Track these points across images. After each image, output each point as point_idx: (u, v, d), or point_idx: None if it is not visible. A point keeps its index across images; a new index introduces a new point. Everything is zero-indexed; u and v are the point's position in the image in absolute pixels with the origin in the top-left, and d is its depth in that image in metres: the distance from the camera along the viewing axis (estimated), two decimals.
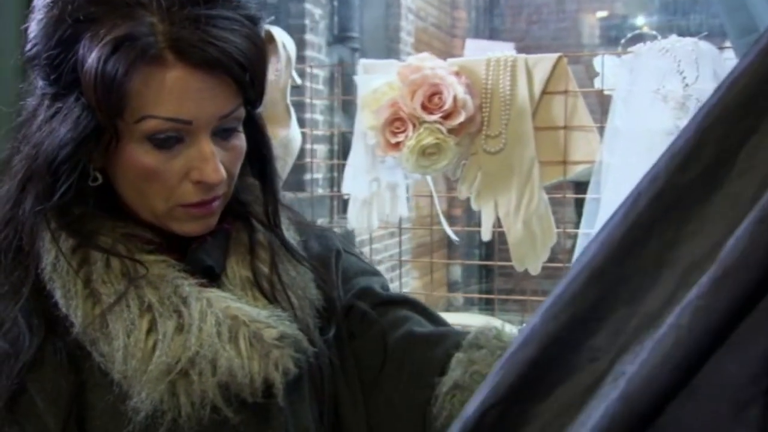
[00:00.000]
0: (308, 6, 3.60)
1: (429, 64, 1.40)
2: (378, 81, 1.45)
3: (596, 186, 1.40)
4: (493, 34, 6.12)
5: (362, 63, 1.55)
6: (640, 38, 1.39)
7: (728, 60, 1.29)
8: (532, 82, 1.41)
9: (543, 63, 1.41)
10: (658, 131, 1.30)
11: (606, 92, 1.40)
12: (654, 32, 1.34)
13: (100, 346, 0.69)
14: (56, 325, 0.71)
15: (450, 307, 1.59)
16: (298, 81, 1.67)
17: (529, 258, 1.42)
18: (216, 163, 0.71)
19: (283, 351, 0.72)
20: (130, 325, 0.69)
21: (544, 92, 1.42)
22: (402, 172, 1.54)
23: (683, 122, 1.28)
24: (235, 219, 0.80)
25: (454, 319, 1.50)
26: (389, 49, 4.51)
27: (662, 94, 1.28)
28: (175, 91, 0.67)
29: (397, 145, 1.40)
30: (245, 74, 0.69)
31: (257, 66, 0.71)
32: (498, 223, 1.44)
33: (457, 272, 4.68)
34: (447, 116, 1.37)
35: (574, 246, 1.51)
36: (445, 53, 1.83)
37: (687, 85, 1.27)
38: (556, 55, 1.41)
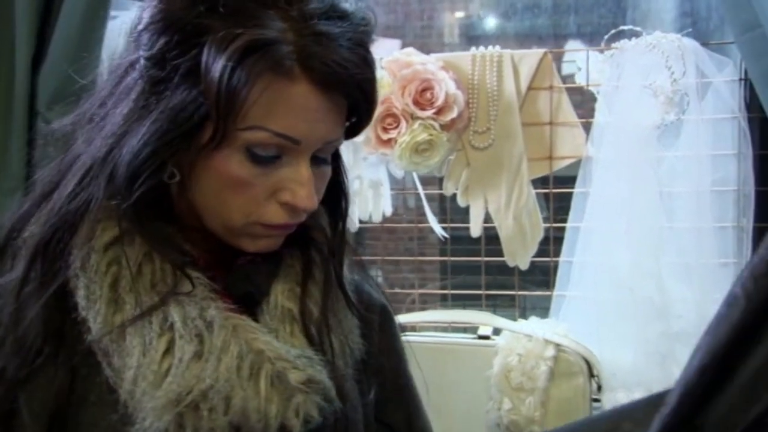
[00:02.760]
0: None
1: (417, 59, 1.38)
2: None
3: (583, 180, 1.42)
4: None
5: None
6: (620, 35, 1.41)
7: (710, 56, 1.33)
8: (519, 77, 1.42)
9: (528, 59, 1.42)
10: (646, 126, 1.33)
11: (590, 88, 1.42)
12: (638, 28, 1.37)
13: (112, 359, 0.64)
14: (70, 329, 0.66)
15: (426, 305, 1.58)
16: None
17: (519, 253, 1.42)
18: (312, 188, 0.67)
19: (308, 397, 0.66)
20: (147, 344, 0.64)
21: (529, 88, 1.42)
22: (385, 169, 1.51)
23: (671, 116, 1.32)
24: (292, 243, 0.74)
25: (449, 316, 1.49)
26: None
27: (652, 89, 1.31)
28: (294, 107, 0.64)
29: (388, 142, 1.37)
30: (363, 100, 0.67)
31: (373, 92, 0.68)
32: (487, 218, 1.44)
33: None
34: (438, 112, 1.36)
35: (547, 239, 1.52)
36: None
37: (675, 80, 1.30)
38: (541, 51, 1.42)
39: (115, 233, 0.67)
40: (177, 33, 0.63)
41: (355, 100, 0.66)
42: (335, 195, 0.76)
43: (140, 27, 0.66)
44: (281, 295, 0.71)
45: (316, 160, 0.68)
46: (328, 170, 0.71)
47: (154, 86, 0.64)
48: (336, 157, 0.74)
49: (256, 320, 0.69)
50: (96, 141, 0.67)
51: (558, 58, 1.50)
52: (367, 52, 0.66)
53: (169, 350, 0.64)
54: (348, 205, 0.77)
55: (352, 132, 0.70)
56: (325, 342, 0.71)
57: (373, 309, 0.81)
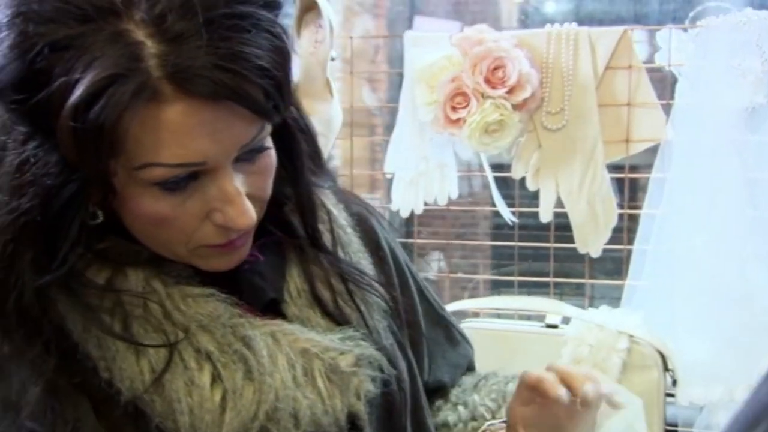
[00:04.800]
0: None
1: (489, 36, 1.33)
2: (432, 54, 1.37)
3: (661, 165, 1.35)
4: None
5: (409, 35, 1.46)
6: (706, 12, 1.34)
7: None
8: (596, 56, 1.35)
9: (607, 37, 1.35)
10: (732, 108, 1.26)
11: (671, 68, 1.35)
12: (726, 5, 1.29)
13: (156, 407, 0.59)
14: (98, 394, 0.58)
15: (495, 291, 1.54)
16: (335, 55, 1.58)
17: (591, 240, 1.36)
18: (243, 204, 0.58)
19: (360, 374, 0.64)
20: (189, 383, 0.58)
21: (606, 67, 1.36)
22: (452, 151, 1.46)
23: (760, 98, 1.24)
24: (271, 228, 0.68)
25: (516, 303, 1.44)
26: None
27: (740, 70, 1.23)
28: (179, 131, 0.53)
29: (457, 122, 1.33)
30: (267, 96, 0.55)
31: (282, 78, 0.56)
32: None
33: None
34: (510, 91, 1.31)
35: (622, 227, 1.45)
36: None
37: (766, 60, 1.22)
38: (620, 29, 1.35)
39: (103, 281, 0.60)
40: (24, 81, 0.53)
41: (254, 101, 0.54)
42: (291, 169, 0.66)
43: None
44: (298, 278, 0.67)
45: (247, 156, 0.59)
46: (267, 158, 0.61)
47: (25, 143, 0.55)
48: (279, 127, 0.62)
49: (283, 316, 0.65)
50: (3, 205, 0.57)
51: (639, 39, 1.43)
52: (260, 25, 0.54)
53: (215, 381, 0.59)
54: (305, 178, 0.67)
55: (275, 108, 0.57)
56: (351, 314, 0.68)
57: (381, 243, 0.77)
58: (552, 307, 1.35)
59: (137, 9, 0.52)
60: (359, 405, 0.63)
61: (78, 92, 0.50)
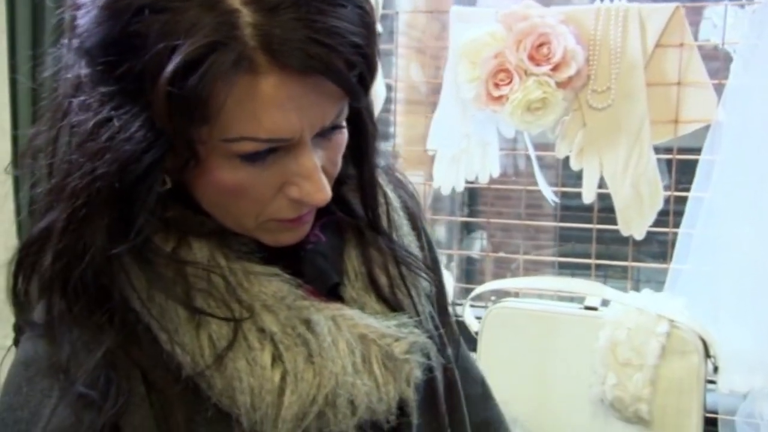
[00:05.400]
0: None
1: (535, 11, 1.31)
2: (476, 30, 1.36)
3: (711, 147, 1.31)
4: None
5: (455, 10, 1.45)
6: None
7: None
8: (645, 33, 1.31)
9: (658, 13, 1.31)
10: None
11: (726, 47, 1.30)
12: None
13: (216, 385, 0.58)
14: (156, 369, 0.58)
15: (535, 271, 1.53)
16: (380, 29, 1.58)
17: (635, 222, 1.34)
18: (320, 180, 0.58)
19: (411, 361, 0.64)
20: (252, 362, 0.58)
21: (656, 45, 1.32)
22: (495, 128, 1.45)
23: None
24: (336, 203, 0.68)
25: (555, 284, 1.43)
26: None
27: None
28: (271, 105, 0.53)
29: (499, 99, 1.31)
30: (360, 74, 0.55)
31: (371, 56, 0.55)
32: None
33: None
34: (555, 68, 1.28)
35: (668, 210, 1.42)
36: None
37: None
38: (672, 5, 1.31)
39: (169, 249, 0.59)
40: (117, 44, 0.53)
41: (346, 77, 0.53)
42: (358, 151, 0.66)
43: (81, 44, 0.55)
44: (356, 261, 0.67)
45: (325, 134, 0.59)
46: (341, 135, 0.61)
47: (109, 102, 0.54)
48: (353, 111, 0.62)
49: (341, 299, 0.65)
50: (77, 168, 0.56)
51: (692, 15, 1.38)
52: (351, 2, 0.54)
53: (275, 362, 0.58)
54: (370, 162, 0.67)
55: (363, 87, 0.57)
56: (404, 300, 0.67)
57: (420, 226, 0.77)
58: (592, 289, 1.33)
59: None
60: (409, 392, 0.63)
61: (178, 58, 0.50)
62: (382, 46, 1.61)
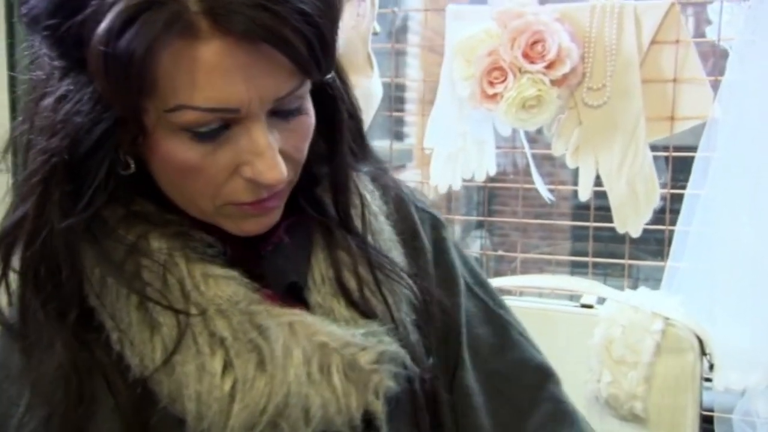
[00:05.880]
0: None
1: (530, 9, 1.31)
2: (472, 27, 1.36)
3: (707, 144, 1.30)
4: None
5: (450, 9, 1.45)
6: None
7: None
8: (641, 30, 1.31)
9: (653, 10, 1.31)
10: None
11: (722, 43, 1.30)
12: None
13: (164, 389, 0.56)
14: (109, 370, 0.57)
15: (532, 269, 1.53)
16: (378, 29, 1.58)
17: (630, 220, 1.33)
18: (274, 158, 0.55)
19: (381, 371, 0.60)
20: (201, 368, 0.56)
21: (652, 42, 1.32)
22: (491, 126, 1.45)
23: None
24: (303, 206, 0.65)
25: (551, 282, 1.43)
26: None
27: None
28: (214, 72, 0.51)
29: (494, 97, 1.31)
30: (309, 45, 0.52)
31: (325, 28, 0.53)
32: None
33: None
34: (549, 66, 1.28)
35: (665, 208, 1.41)
36: None
37: None
38: (668, 2, 1.31)
39: (127, 244, 0.57)
40: (58, 10, 0.52)
41: (297, 48, 0.51)
42: (329, 136, 0.63)
43: (27, 15, 0.54)
44: (324, 264, 0.63)
45: (283, 114, 0.56)
46: (305, 118, 0.58)
47: (63, 78, 0.54)
48: (322, 92, 0.60)
49: (305, 304, 0.62)
50: (38, 144, 0.56)
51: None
52: None
53: (226, 369, 0.56)
54: (341, 152, 0.64)
55: (314, 60, 0.53)
56: (377, 306, 0.63)
57: (419, 233, 0.71)
58: (588, 287, 1.33)
59: None
60: (377, 404, 0.60)
61: (110, 16, 0.48)
62: (382, 45, 1.61)
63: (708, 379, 1.27)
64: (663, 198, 1.35)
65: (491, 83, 1.31)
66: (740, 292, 1.24)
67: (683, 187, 1.35)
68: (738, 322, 1.24)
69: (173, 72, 0.51)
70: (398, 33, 1.74)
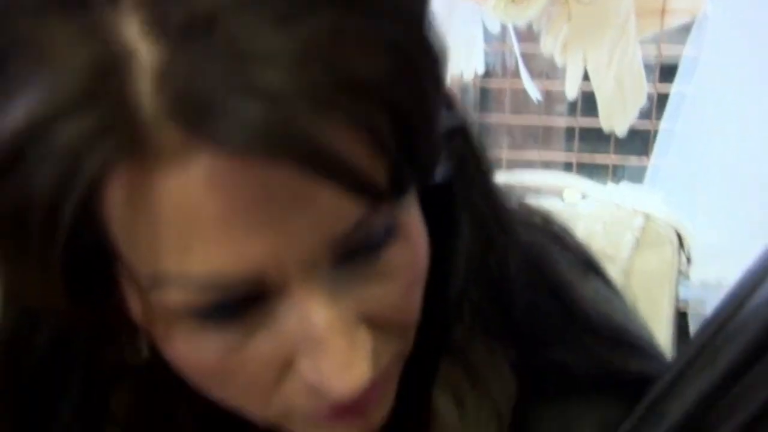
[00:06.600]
0: None
1: None
2: None
3: (697, 41, 1.29)
4: None
5: None
6: None
7: None
8: None
9: None
10: None
11: None
12: None
13: None
14: None
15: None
16: None
17: (617, 117, 1.33)
18: (347, 348, 0.30)
19: None
20: None
21: None
22: (480, 23, 1.42)
23: None
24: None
25: (533, 177, 1.44)
26: None
27: None
28: (199, 220, 0.27)
29: None
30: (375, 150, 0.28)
31: (405, 105, 0.28)
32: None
33: None
34: None
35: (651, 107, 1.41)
36: None
37: None
38: None
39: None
40: None
41: (350, 151, 0.27)
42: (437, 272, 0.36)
43: None
44: None
45: (354, 257, 0.31)
46: (398, 253, 0.32)
47: None
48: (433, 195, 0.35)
49: None
50: None
51: None
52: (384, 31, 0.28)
53: None
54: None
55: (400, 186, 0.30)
56: None
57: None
58: (568, 181, 1.34)
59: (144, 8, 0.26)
60: None
61: (4, 126, 0.26)
62: None
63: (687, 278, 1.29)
64: (650, 99, 1.34)
65: None
66: (721, 190, 1.25)
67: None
68: (717, 219, 1.26)
69: (129, 224, 0.28)
70: None
